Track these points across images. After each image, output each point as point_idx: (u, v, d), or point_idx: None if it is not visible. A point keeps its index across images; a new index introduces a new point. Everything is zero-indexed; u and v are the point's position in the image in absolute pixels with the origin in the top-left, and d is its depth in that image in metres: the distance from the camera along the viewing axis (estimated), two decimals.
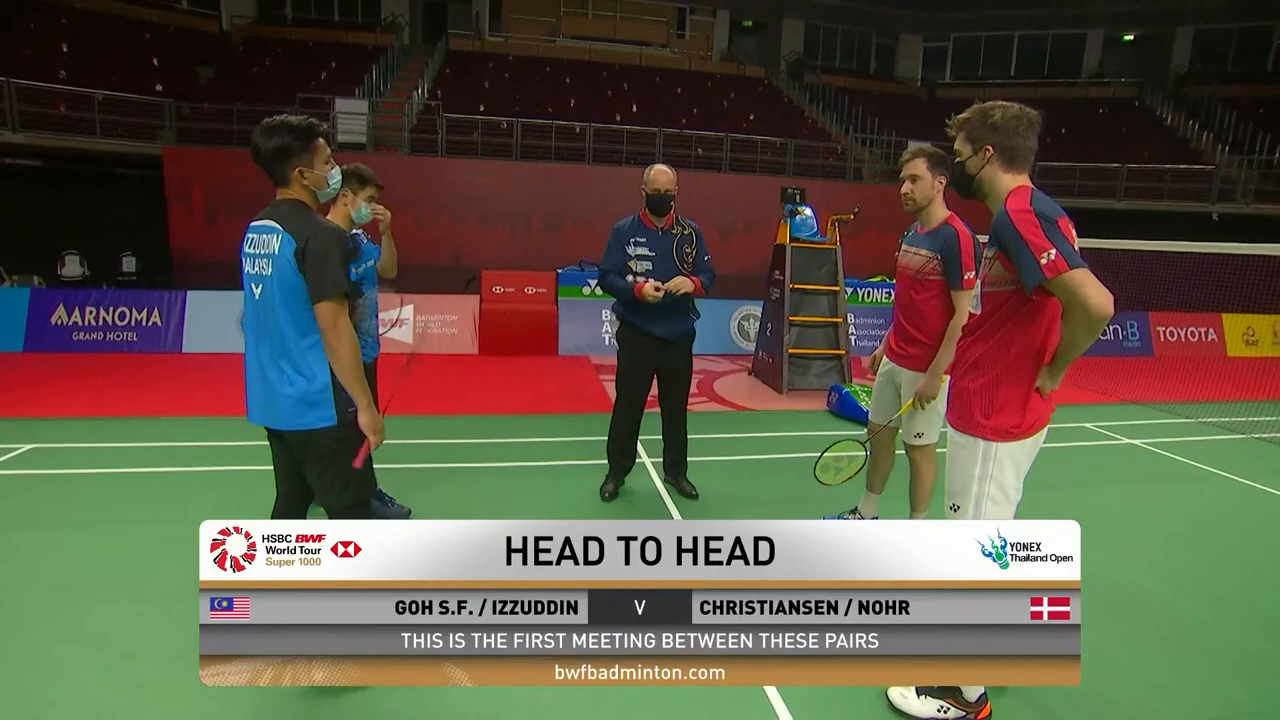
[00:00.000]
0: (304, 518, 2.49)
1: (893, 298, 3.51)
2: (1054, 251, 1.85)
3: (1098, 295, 1.83)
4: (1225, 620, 2.98)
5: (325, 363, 2.21)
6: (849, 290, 7.84)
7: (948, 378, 3.13)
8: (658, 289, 3.62)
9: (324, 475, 2.27)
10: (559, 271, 9.50)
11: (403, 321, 8.44)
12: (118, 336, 7.89)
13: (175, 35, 15.27)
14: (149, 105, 11.64)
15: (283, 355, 2.20)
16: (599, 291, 9.15)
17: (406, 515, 3.64)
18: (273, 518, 2.47)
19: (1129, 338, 10.44)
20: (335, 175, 2.33)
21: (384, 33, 17.09)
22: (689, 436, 4.20)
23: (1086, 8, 19.30)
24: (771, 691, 2.39)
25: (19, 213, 12.38)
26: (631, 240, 3.79)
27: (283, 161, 2.18)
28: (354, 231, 3.34)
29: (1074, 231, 2.02)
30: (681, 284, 3.69)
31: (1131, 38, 20.05)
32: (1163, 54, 19.41)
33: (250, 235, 2.23)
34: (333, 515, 2.31)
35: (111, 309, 7.93)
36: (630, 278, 3.74)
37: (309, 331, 2.18)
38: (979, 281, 2.15)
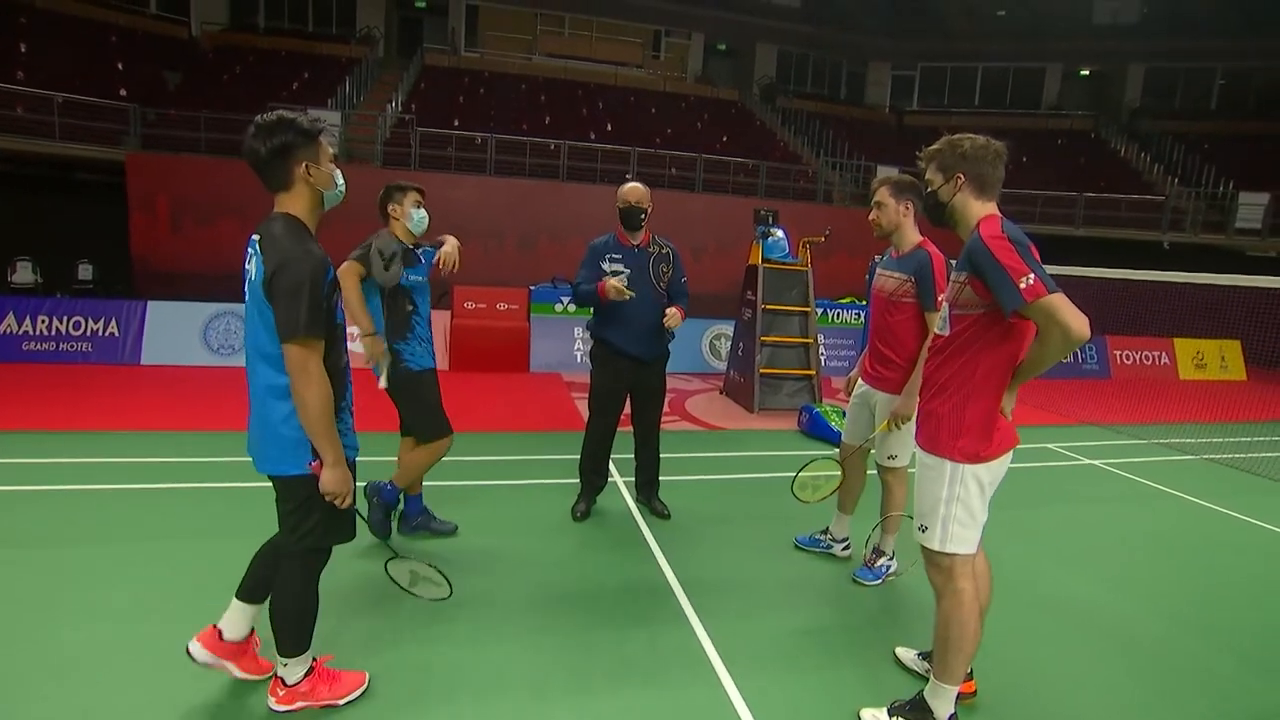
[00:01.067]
0: None
1: (864, 320, 3.58)
2: (1032, 277, 1.91)
3: (1076, 319, 1.89)
4: (1185, 635, 3.07)
5: None
6: (820, 311, 7.96)
7: None
8: (621, 289, 3.58)
9: (290, 516, 2.12)
10: (531, 288, 9.47)
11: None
12: (72, 347, 7.60)
13: (143, 40, 14.99)
14: (113, 110, 11.37)
15: (267, 389, 2.02)
16: (571, 309, 9.13)
17: (453, 531, 3.69)
18: (271, 540, 2.33)
19: (1088, 360, 10.76)
20: (340, 176, 2.11)
21: (359, 45, 17.00)
22: (661, 455, 4.20)
23: (1046, 44, 20.12)
24: (740, 704, 2.38)
25: None
26: (607, 256, 3.79)
27: (286, 158, 1.96)
28: (416, 247, 3.37)
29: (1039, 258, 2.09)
30: (676, 318, 3.68)
31: (1088, 73, 20.92)
32: (1116, 89, 20.30)
33: (247, 250, 2.03)
34: (290, 556, 2.18)
35: (66, 318, 7.65)
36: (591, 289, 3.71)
37: (282, 369, 1.97)
38: (945, 304, 2.20)
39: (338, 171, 2.09)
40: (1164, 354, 11.27)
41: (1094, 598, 3.40)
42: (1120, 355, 11.02)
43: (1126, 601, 3.39)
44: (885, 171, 14.10)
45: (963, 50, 20.76)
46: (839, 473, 3.38)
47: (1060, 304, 1.89)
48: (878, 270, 3.36)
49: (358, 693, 2.34)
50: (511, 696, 2.42)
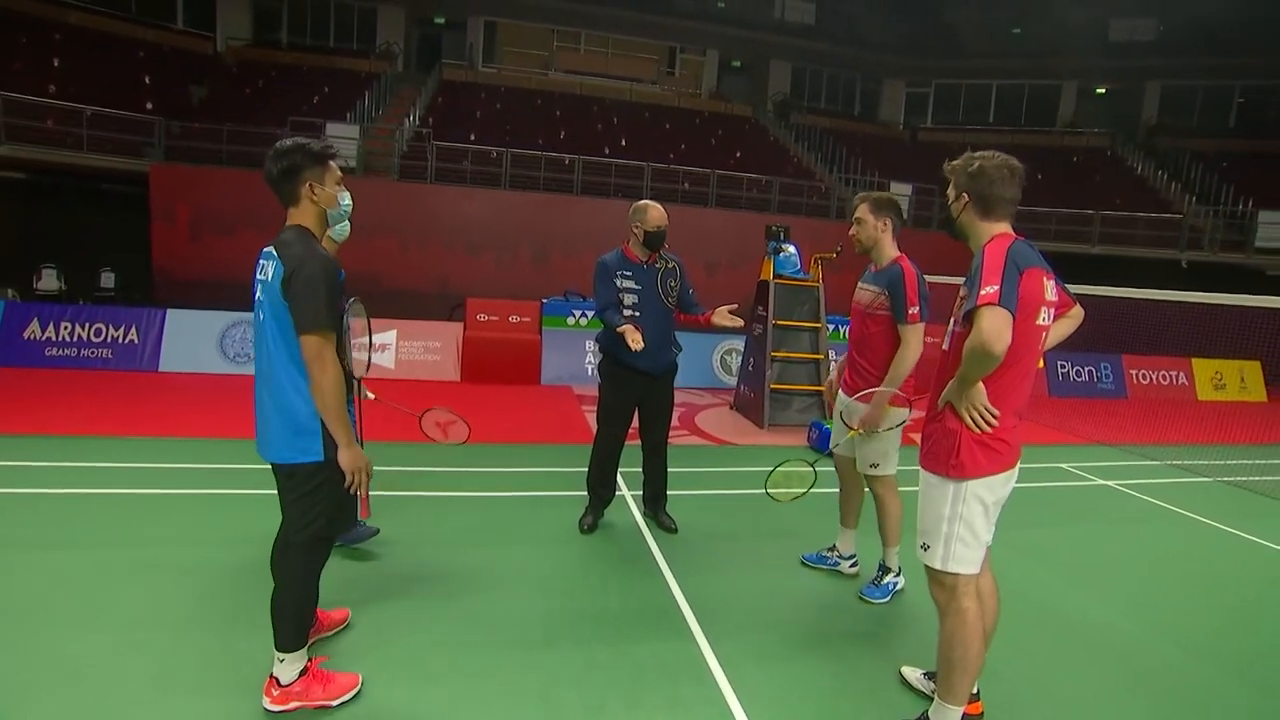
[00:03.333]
0: None
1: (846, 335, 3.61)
2: (995, 288, 1.93)
3: (989, 332, 1.91)
4: (1198, 661, 3.01)
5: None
6: (831, 327, 7.94)
7: (908, 409, 3.22)
8: (638, 340, 3.54)
9: (294, 505, 2.24)
10: (544, 301, 9.53)
11: (384, 347, 8.40)
12: (92, 353, 7.74)
13: (169, 55, 15.37)
14: (139, 122, 11.65)
15: (275, 385, 2.18)
16: (583, 322, 9.19)
17: (373, 535, 3.50)
18: (275, 543, 2.38)
19: (1103, 379, 10.65)
20: (346, 197, 2.35)
21: (378, 60, 17.32)
22: (669, 469, 4.20)
23: (1062, 61, 20.10)
24: (730, 696, 2.37)
25: None
26: (618, 273, 3.83)
27: (293, 177, 2.17)
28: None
29: (1048, 285, 2.09)
30: (726, 315, 3.69)
31: (1104, 91, 20.86)
32: (1133, 107, 20.21)
33: (259, 262, 2.23)
34: (289, 547, 2.27)
35: (87, 325, 7.80)
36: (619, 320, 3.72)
37: (299, 362, 2.15)
38: (950, 320, 2.20)
39: (345, 193, 2.31)
40: (1182, 374, 11.11)
41: (1105, 620, 3.35)
42: (1137, 375, 10.89)
43: (1138, 624, 3.34)
44: (899, 188, 14.14)
45: (978, 67, 20.79)
46: (810, 471, 3.29)
47: (991, 316, 1.92)
48: (858, 284, 3.43)
49: (350, 694, 2.37)
50: (512, 706, 2.42)
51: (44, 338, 7.67)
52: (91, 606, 2.89)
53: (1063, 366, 10.53)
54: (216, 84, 14.99)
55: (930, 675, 2.58)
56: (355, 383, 3.35)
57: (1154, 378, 10.97)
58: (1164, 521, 5.03)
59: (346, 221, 3.17)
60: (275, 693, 2.29)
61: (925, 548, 2.22)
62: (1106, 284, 6.99)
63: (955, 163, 2.23)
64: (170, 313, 8.07)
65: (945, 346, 2.24)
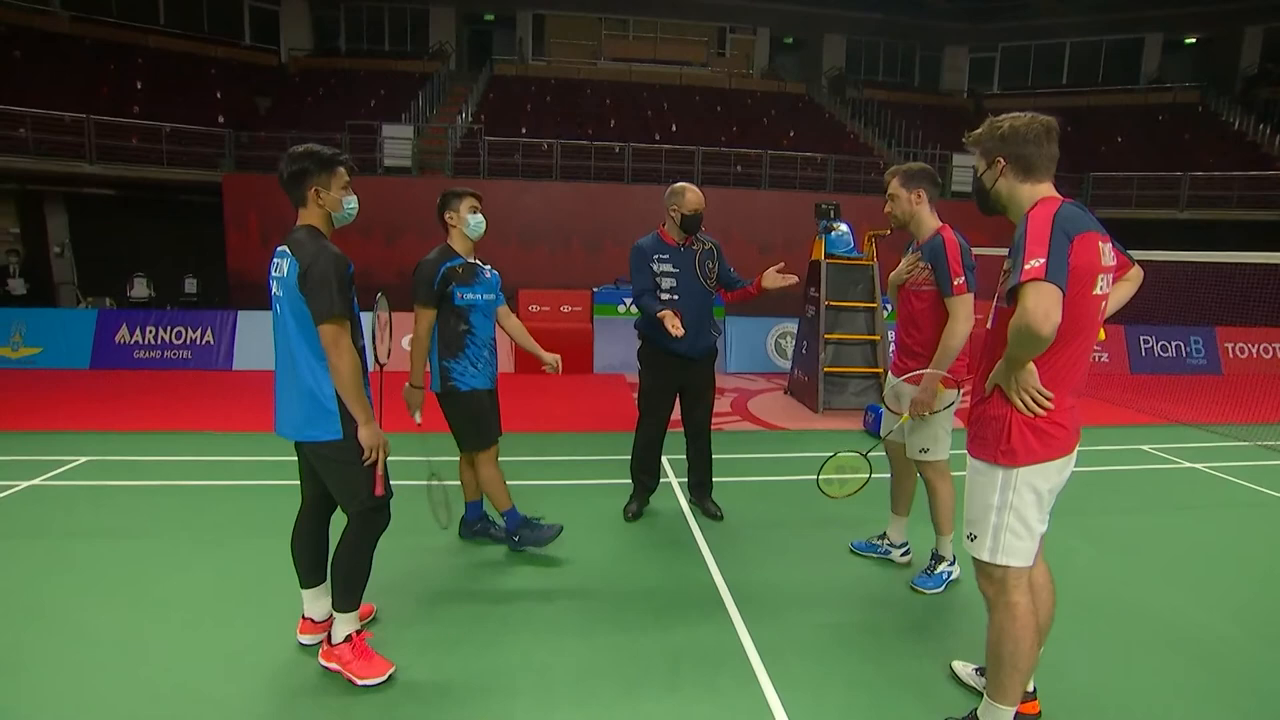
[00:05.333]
0: (327, 522, 2.66)
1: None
2: (1041, 261, 1.76)
3: (1036, 314, 1.74)
4: None
5: (330, 379, 2.32)
6: (888, 308, 7.64)
7: (960, 390, 3.04)
8: (677, 325, 3.48)
9: (336, 483, 2.44)
10: (595, 290, 9.56)
11: None
12: (174, 354, 8.29)
13: (238, 69, 16.14)
14: (211, 135, 12.30)
15: (295, 372, 2.34)
16: (634, 310, 9.17)
17: (559, 533, 3.52)
18: (296, 521, 2.65)
19: (1193, 354, 9.88)
20: (351, 202, 2.45)
21: (431, 60, 17.69)
22: (716, 456, 4.13)
23: (1143, 11, 18.61)
24: (781, 715, 2.31)
25: (94, 238, 13.23)
26: (655, 257, 3.78)
27: (301, 181, 2.32)
28: (471, 261, 3.31)
29: (1104, 249, 1.91)
30: (776, 278, 3.59)
31: (1194, 40, 19.21)
32: (1229, 56, 18.52)
33: (274, 260, 2.39)
34: (350, 518, 2.47)
35: (169, 328, 8.35)
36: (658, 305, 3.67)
37: (318, 350, 2.31)
38: (995, 296, 2.05)
39: (350, 197, 2.44)
40: None
41: (1189, 616, 3.09)
42: (1232, 349, 10.04)
43: (1224, 620, 3.06)
44: (963, 161, 13.43)
45: (1047, 26, 19.48)
46: (867, 471, 3.18)
47: (1037, 293, 1.74)
48: (902, 261, 3.25)
49: (381, 679, 2.45)
50: (545, 691, 2.43)
51: (132, 341, 8.26)
52: (173, 590, 3.08)
53: (1145, 341, 9.82)
54: (280, 95, 15.67)
55: (982, 671, 2.44)
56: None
57: (1253, 350, 10.10)
58: (1261, 507, 4.61)
59: (481, 217, 3.32)
60: (325, 647, 2.52)
61: (972, 538, 2.08)
62: (1196, 249, 6.44)
63: (977, 132, 2.06)
64: (241, 314, 8.53)
65: (990, 325, 2.08)
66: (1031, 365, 1.91)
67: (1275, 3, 17.68)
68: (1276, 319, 9.57)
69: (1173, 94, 18.41)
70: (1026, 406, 1.93)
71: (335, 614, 2.50)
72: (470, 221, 3.30)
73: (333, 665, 2.49)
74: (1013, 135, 1.96)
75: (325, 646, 2.52)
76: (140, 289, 12.50)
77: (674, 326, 3.47)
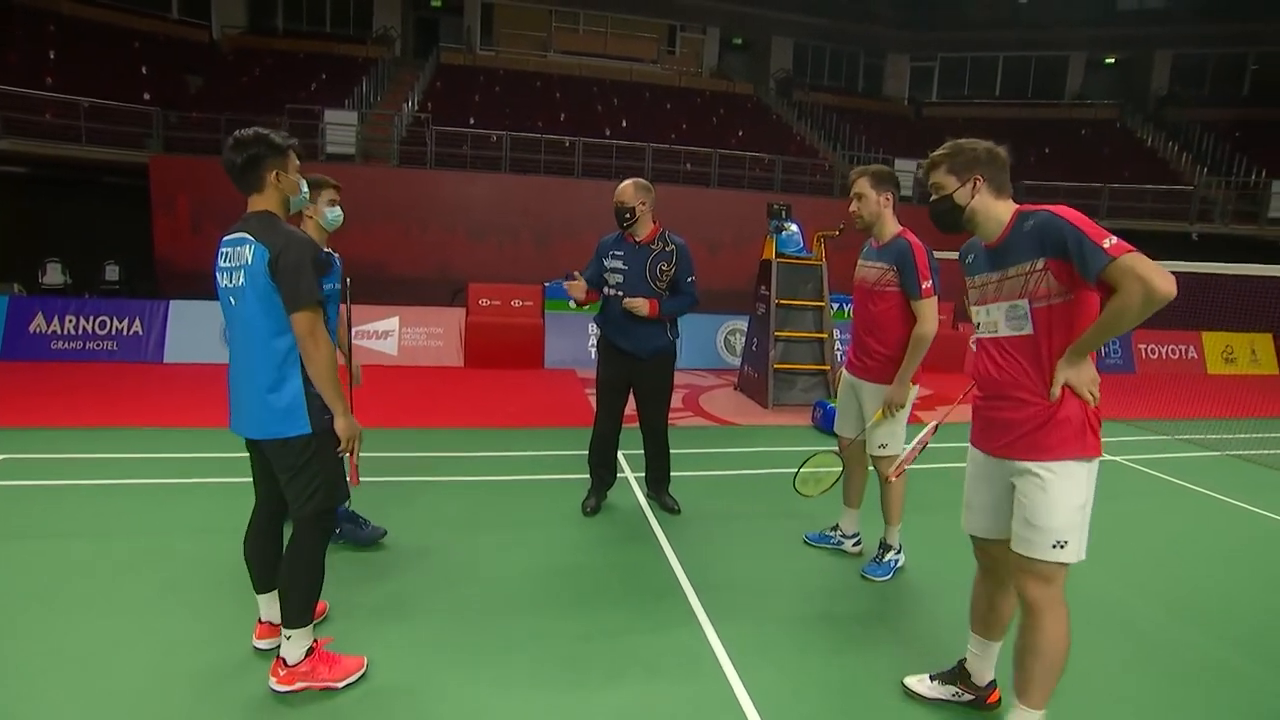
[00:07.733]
0: (281, 525, 2.51)
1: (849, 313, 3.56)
2: (1114, 237, 1.85)
3: (1161, 276, 1.80)
4: (1209, 638, 2.98)
5: (299, 372, 2.23)
6: (835, 306, 7.87)
7: (916, 386, 3.19)
8: (576, 290, 3.74)
9: (292, 482, 2.27)
10: (546, 285, 9.49)
11: (387, 334, 8.40)
12: (97, 346, 7.77)
13: (165, 44, 15.26)
14: (137, 114, 11.59)
15: (258, 365, 2.22)
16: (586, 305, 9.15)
17: (382, 537, 3.48)
18: (250, 524, 2.51)
19: (1111, 354, 10.55)
20: (304, 184, 2.40)
21: (375, 45, 17.15)
22: (672, 451, 4.19)
23: (1069, 31, 19.72)
24: (745, 700, 2.37)
25: (1, 220, 12.27)
26: (610, 253, 3.83)
27: (257, 165, 2.21)
28: (326, 251, 3.11)
29: None
30: (636, 305, 3.69)
31: (1113, 61, 20.47)
32: (1142, 77, 19.83)
33: (224, 249, 2.26)
34: (296, 524, 2.31)
35: (92, 318, 7.82)
36: (605, 289, 3.82)
37: (284, 341, 2.20)
38: (1025, 301, 2.03)
39: (303, 180, 2.38)
40: (1191, 348, 11.01)
41: (1114, 597, 3.33)
42: (1145, 349, 10.78)
43: (1145, 600, 3.31)
44: (904, 165, 13.94)
45: (983, 39, 20.41)
46: (839, 467, 3.35)
47: (1143, 260, 1.82)
48: (859, 262, 3.36)
49: (356, 676, 2.39)
50: (512, 687, 2.43)
51: (49, 331, 7.70)
52: (100, 594, 2.91)
53: None
54: (213, 73, 14.89)
55: (937, 676, 2.50)
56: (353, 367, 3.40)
57: (1163, 352, 10.86)
58: (1174, 496, 4.98)
59: (339, 210, 3.19)
60: (282, 673, 2.30)
61: (1062, 545, 2.00)
62: None
63: (944, 151, 2.14)
64: (173, 304, 8.08)
65: (1021, 331, 2.05)
66: (1091, 359, 2.02)
67: (1182, 31, 19.05)
68: (1186, 323, 10.34)
69: (1094, 110, 19.58)
70: (1094, 396, 2.03)
71: (289, 632, 2.30)
72: (328, 215, 3.14)
73: (297, 686, 2.30)
74: (986, 157, 2.10)
75: (281, 672, 2.30)
76: (54, 275, 11.65)
77: (573, 289, 3.73)
